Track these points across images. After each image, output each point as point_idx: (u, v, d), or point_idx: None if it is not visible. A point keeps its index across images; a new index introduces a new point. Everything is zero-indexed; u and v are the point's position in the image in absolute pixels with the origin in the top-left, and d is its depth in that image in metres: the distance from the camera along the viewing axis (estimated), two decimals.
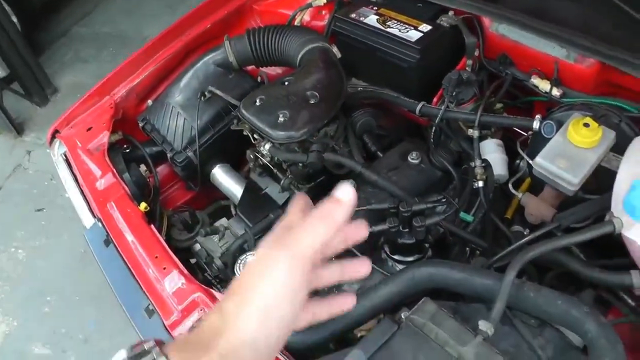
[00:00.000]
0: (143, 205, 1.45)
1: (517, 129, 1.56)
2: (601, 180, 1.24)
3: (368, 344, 1.08)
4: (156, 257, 1.30)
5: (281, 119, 1.40)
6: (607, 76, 1.38)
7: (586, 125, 1.21)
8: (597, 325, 1.01)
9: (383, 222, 1.25)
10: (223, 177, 1.76)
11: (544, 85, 1.46)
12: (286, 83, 1.50)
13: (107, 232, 1.42)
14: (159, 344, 0.52)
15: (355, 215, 1.26)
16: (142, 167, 1.74)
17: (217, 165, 1.78)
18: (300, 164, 1.40)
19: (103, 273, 1.40)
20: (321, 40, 1.62)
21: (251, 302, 0.53)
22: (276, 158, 1.45)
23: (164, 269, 1.28)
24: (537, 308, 1.08)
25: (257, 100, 1.47)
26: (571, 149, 1.23)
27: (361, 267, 0.64)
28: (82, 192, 1.56)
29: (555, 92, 1.44)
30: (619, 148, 1.24)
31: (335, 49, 1.63)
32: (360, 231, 0.63)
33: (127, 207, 1.44)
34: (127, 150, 1.78)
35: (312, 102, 1.42)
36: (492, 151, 1.53)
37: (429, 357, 1.04)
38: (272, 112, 1.42)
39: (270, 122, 1.40)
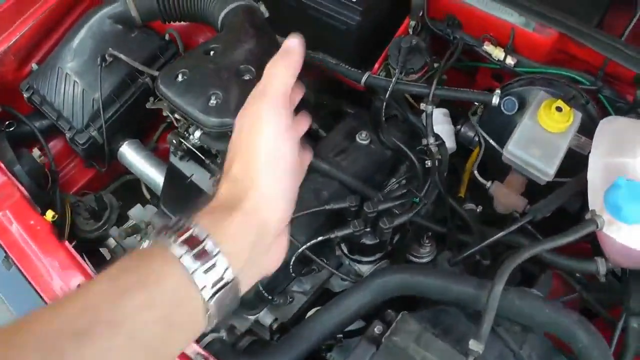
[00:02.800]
0: (50, 214, 1.19)
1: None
2: (569, 164, 1.18)
3: None
4: (78, 286, 1.07)
5: (213, 101, 1.17)
6: (562, 46, 1.30)
7: (559, 109, 1.13)
8: (589, 335, 0.98)
9: (344, 224, 1.12)
10: (134, 157, 1.51)
11: (497, 52, 1.34)
12: (211, 53, 1.26)
13: (5, 251, 1.15)
14: (186, 216, 0.53)
15: (308, 215, 1.15)
16: (35, 152, 1.44)
17: (125, 143, 1.52)
18: None
19: (6, 304, 1.14)
20: None
21: (255, 158, 0.57)
22: (207, 146, 1.24)
23: None
24: (523, 316, 1.03)
25: (180, 75, 1.22)
26: (542, 134, 1.15)
27: (303, 120, 0.73)
28: None
29: (510, 60, 1.34)
30: (583, 128, 1.19)
31: (262, 8, 1.40)
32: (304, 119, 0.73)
33: (29, 218, 1.17)
34: (11, 129, 1.46)
35: (247, 78, 1.21)
36: (440, 122, 1.42)
37: None
38: (201, 92, 1.18)
39: (200, 106, 1.17)
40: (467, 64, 1.47)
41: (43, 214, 1.19)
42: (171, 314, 0.49)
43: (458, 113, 1.47)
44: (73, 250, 1.12)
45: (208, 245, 0.51)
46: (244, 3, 1.34)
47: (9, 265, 1.14)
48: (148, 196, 1.59)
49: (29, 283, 1.11)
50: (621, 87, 1.29)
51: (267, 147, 0.57)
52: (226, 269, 0.51)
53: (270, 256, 0.60)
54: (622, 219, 0.99)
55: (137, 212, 1.49)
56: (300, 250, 1.10)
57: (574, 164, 1.16)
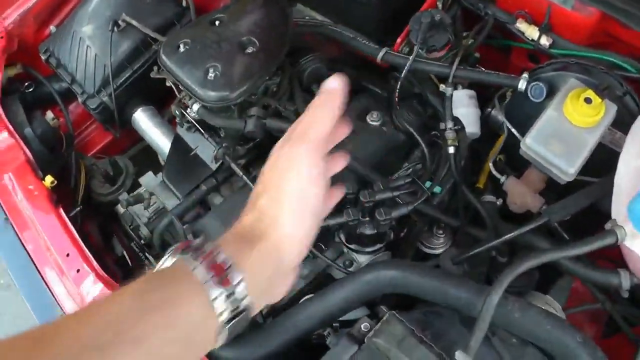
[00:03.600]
0: (49, 179, 1.18)
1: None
2: (597, 160, 1.05)
3: None
4: (67, 255, 1.06)
5: (211, 74, 1.11)
6: (605, 27, 1.16)
7: (588, 100, 1.00)
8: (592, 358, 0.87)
9: (339, 212, 1.04)
10: (146, 124, 1.48)
11: (531, 31, 1.21)
12: (216, 23, 1.19)
13: (5, 212, 1.16)
14: (212, 241, 0.56)
15: None
16: (49, 114, 1.43)
17: (139, 109, 1.49)
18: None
19: (3, 262, 1.15)
20: None
21: (284, 197, 0.59)
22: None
23: (78, 271, 1.05)
24: (522, 330, 0.93)
25: (181, 46, 1.17)
26: (568, 128, 1.02)
27: (340, 159, 0.74)
28: None
29: (544, 41, 1.21)
30: (617, 123, 1.05)
31: None
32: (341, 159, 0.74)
33: (28, 182, 1.17)
34: (31, 89, 1.46)
35: (250, 51, 1.14)
36: (465, 105, 1.30)
37: None
38: (200, 64, 1.13)
39: (198, 78, 1.12)
40: (498, 41, 1.34)
41: (54, 177, 1.18)
42: (189, 334, 0.52)
43: (490, 94, 1.35)
44: (66, 217, 1.12)
45: (232, 273, 0.54)
46: None
47: (7, 226, 1.15)
48: (163, 163, 1.57)
49: (25, 250, 1.12)
50: None
51: (297, 190, 0.59)
52: (244, 297, 0.54)
53: (282, 287, 0.63)
54: None
55: (148, 180, 1.46)
56: None
57: (606, 161, 1.02)
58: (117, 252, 1.48)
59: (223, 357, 0.98)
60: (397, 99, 1.21)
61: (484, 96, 1.34)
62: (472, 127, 1.28)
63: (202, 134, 1.22)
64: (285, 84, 1.22)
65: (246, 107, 1.15)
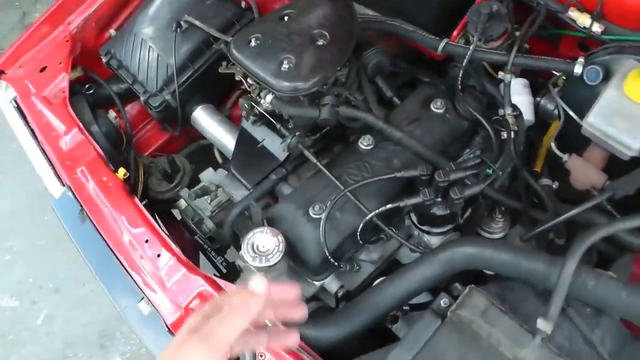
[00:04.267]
0: (122, 172, 1.23)
1: None
2: None
3: (411, 342, 0.96)
4: (146, 241, 1.11)
5: (285, 65, 1.17)
6: None
7: None
8: None
9: (414, 193, 1.09)
10: (207, 121, 1.53)
11: (583, 19, 1.26)
12: (285, 18, 1.25)
13: (81, 204, 1.21)
14: None
15: (378, 183, 1.13)
16: (111, 113, 1.49)
17: (199, 107, 1.55)
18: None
19: (81, 255, 1.20)
20: None
21: None
22: (278, 111, 1.24)
23: (158, 256, 1.09)
24: (596, 299, 0.97)
25: (253, 40, 1.22)
26: (629, 105, 1.07)
27: (290, 337, 0.70)
28: (43, 152, 1.32)
29: (596, 27, 1.25)
30: None
31: None
32: (298, 311, 0.71)
33: (102, 175, 1.22)
34: (91, 91, 1.52)
35: (321, 43, 1.19)
36: (519, 93, 1.36)
37: (479, 356, 0.93)
38: (273, 57, 1.18)
39: (272, 70, 1.17)
40: (550, 32, 1.39)
41: (116, 172, 1.23)
42: None
43: (539, 84, 1.40)
44: (141, 206, 1.17)
45: None
46: None
47: (83, 218, 1.19)
48: (220, 160, 1.62)
49: (101, 236, 1.16)
50: None
51: None
52: None
53: None
54: None
55: (208, 175, 1.52)
56: (368, 217, 1.08)
57: None
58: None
59: (308, 336, 1.03)
60: (460, 86, 1.25)
61: (533, 86, 1.40)
62: (527, 114, 1.33)
63: (274, 124, 1.27)
64: (353, 76, 1.27)
65: (316, 96, 1.20)
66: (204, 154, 1.71)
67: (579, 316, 0.99)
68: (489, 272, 1.15)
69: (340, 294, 1.18)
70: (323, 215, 1.10)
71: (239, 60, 1.22)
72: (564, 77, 1.30)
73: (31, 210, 2.32)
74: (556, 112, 1.32)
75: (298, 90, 1.16)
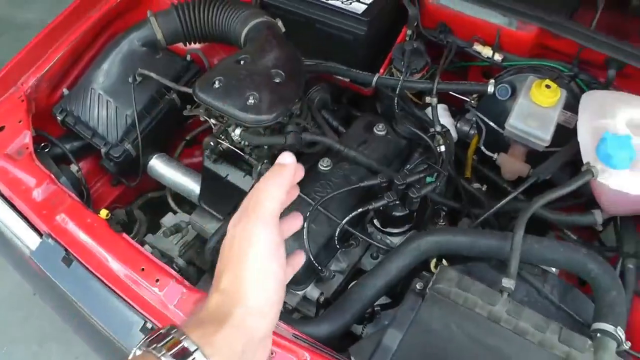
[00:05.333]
0: (104, 212, 1.29)
1: (458, 95, 1.64)
2: (558, 135, 1.37)
3: (400, 322, 1.11)
4: (142, 269, 1.18)
5: (251, 100, 1.32)
6: (542, 40, 1.51)
7: (547, 86, 1.33)
8: (598, 265, 1.14)
9: (378, 198, 1.26)
10: (164, 168, 1.63)
11: (486, 51, 1.55)
12: (242, 62, 1.41)
13: (65, 248, 1.25)
14: (177, 327, 0.57)
15: (342, 196, 1.29)
16: (74, 167, 1.55)
17: (155, 156, 1.64)
18: (278, 147, 1.35)
19: (71, 298, 1.22)
20: (263, 14, 1.54)
21: (245, 274, 0.60)
22: (243, 142, 1.38)
23: (157, 281, 1.16)
24: (542, 258, 1.18)
25: (216, 82, 1.36)
26: (536, 108, 1.34)
27: (295, 220, 0.75)
28: (13, 208, 1.34)
29: (497, 57, 1.54)
30: (568, 105, 1.38)
31: (280, 23, 1.56)
32: (296, 220, 0.75)
33: (85, 217, 1.27)
34: (47, 150, 1.56)
35: (278, 81, 1.36)
36: (442, 115, 1.59)
37: (458, 322, 1.09)
38: (239, 94, 1.33)
39: (239, 106, 1.31)
40: (460, 64, 1.66)
41: (98, 213, 1.29)
42: None
43: (454, 110, 1.66)
44: (132, 240, 1.23)
45: (198, 357, 0.53)
46: (264, 19, 1.51)
47: (69, 263, 1.23)
48: (174, 206, 1.70)
49: (92, 274, 1.21)
50: (594, 72, 1.50)
51: (257, 264, 0.60)
52: None
53: (258, 357, 0.62)
54: (613, 165, 1.18)
55: (169, 219, 1.60)
56: (342, 223, 1.24)
57: (564, 136, 1.36)
58: None
59: (310, 334, 1.14)
60: (397, 111, 1.47)
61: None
62: (451, 133, 1.57)
63: (235, 161, 1.40)
64: (305, 109, 1.45)
65: (279, 127, 1.36)
66: (154, 205, 1.78)
67: (531, 276, 1.20)
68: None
69: (321, 300, 1.30)
70: (305, 225, 1.23)
71: (206, 101, 1.35)
72: (475, 100, 1.57)
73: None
74: (472, 132, 1.57)
75: (264, 121, 1.31)
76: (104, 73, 1.58)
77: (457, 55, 1.65)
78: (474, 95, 1.56)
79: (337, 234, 1.24)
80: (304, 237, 1.23)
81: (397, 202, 1.27)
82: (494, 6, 1.47)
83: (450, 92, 1.56)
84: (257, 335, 0.60)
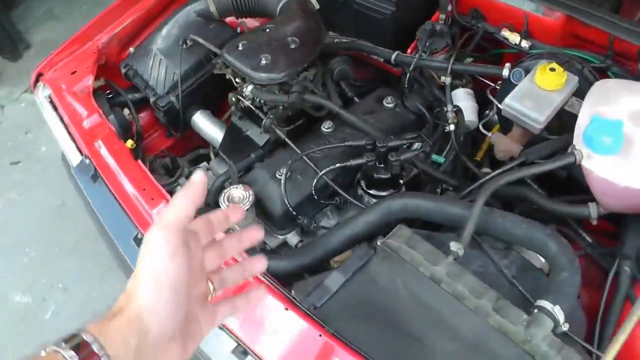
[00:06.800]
0: (130, 142, 1.50)
1: (487, 81, 1.64)
2: (565, 123, 1.33)
3: (346, 268, 1.16)
4: (144, 189, 1.35)
5: (263, 62, 1.45)
6: (572, 29, 1.47)
7: (552, 69, 1.30)
8: (558, 245, 1.11)
9: (359, 156, 1.33)
10: (204, 123, 1.81)
11: (513, 37, 1.54)
12: (267, 30, 1.55)
13: (95, 168, 1.47)
14: (81, 328, 0.59)
15: (334, 151, 1.37)
16: (126, 111, 1.78)
17: (198, 112, 1.82)
18: (281, 105, 1.46)
19: (92, 207, 1.45)
20: None
21: (142, 274, 0.62)
22: (258, 100, 1.51)
23: (152, 199, 1.33)
24: (504, 232, 1.17)
25: (240, 45, 1.52)
26: (537, 91, 1.32)
27: (258, 262, 0.76)
28: (68, 132, 1.60)
29: (524, 44, 1.53)
30: (582, 94, 1.33)
31: (313, 0, 1.68)
32: (255, 232, 0.75)
33: (114, 144, 1.48)
34: (110, 96, 1.81)
35: (293, 47, 1.48)
36: (463, 99, 1.61)
37: (404, 278, 1.12)
38: (255, 56, 1.47)
39: (252, 65, 1.46)
40: (490, 52, 1.66)
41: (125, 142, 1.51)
42: None
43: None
44: (144, 167, 1.42)
45: (94, 348, 0.56)
46: None
47: (95, 179, 1.45)
48: (213, 159, 1.87)
49: (110, 192, 1.41)
50: (629, 65, 1.43)
51: (151, 263, 0.63)
52: None
53: None
54: (596, 149, 1.14)
55: (203, 165, 1.78)
56: (320, 174, 1.32)
57: (571, 125, 1.31)
58: None
59: (268, 266, 1.23)
60: (406, 85, 1.52)
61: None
62: (471, 116, 1.58)
63: (257, 119, 1.54)
64: (319, 75, 1.55)
65: (288, 88, 1.48)
66: (203, 161, 1.97)
67: (491, 250, 1.20)
68: None
69: (298, 246, 1.39)
70: (284, 174, 1.34)
71: (228, 60, 1.51)
72: (498, 87, 1.56)
73: (48, 221, 2.59)
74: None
75: (272, 79, 1.44)
76: (162, 36, 1.80)
77: (490, 42, 1.65)
78: (499, 82, 1.56)
79: (314, 183, 1.33)
80: (282, 183, 1.32)
81: (377, 163, 1.32)
82: None
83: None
84: (152, 335, 0.61)
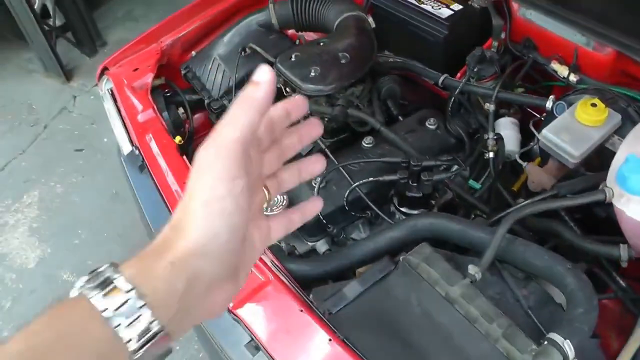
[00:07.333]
0: (178, 138, 1.59)
1: (534, 112, 1.64)
2: (605, 161, 1.31)
3: (365, 279, 1.19)
4: (185, 183, 1.43)
5: (312, 73, 1.51)
6: (623, 66, 1.46)
7: (593, 105, 1.29)
8: (577, 280, 1.10)
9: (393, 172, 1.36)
10: None
11: (562, 70, 1.54)
12: (321, 44, 1.61)
13: (142, 158, 1.56)
14: (114, 264, 0.51)
15: (371, 166, 1.40)
16: (180, 110, 1.87)
17: None
18: (326, 117, 1.51)
19: (135, 195, 1.54)
20: (358, 9, 1.72)
21: (191, 204, 0.52)
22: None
23: None
24: (525, 261, 1.17)
25: (293, 56, 1.58)
26: (576, 125, 1.31)
27: (316, 163, 0.65)
28: (123, 123, 1.71)
29: (573, 77, 1.52)
30: (626, 133, 1.32)
31: (370, 19, 1.73)
32: (314, 127, 0.64)
33: (163, 139, 1.58)
34: (168, 95, 1.92)
35: (343, 61, 1.53)
36: (507, 128, 1.61)
37: (419, 294, 1.14)
38: (305, 67, 1.53)
39: (302, 76, 1.52)
40: (540, 84, 1.66)
41: (174, 138, 1.60)
42: None
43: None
44: (187, 161, 1.50)
45: (131, 297, 0.48)
46: (354, 13, 1.69)
47: (142, 169, 1.54)
48: None
49: (154, 183, 1.50)
50: None
51: (204, 195, 0.52)
52: (152, 321, 0.48)
53: (206, 308, 0.55)
54: (627, 188, 1.12)
55: None
56: (353, 186, 1.36)
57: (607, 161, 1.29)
58: None
59: (290, 269, 1.28)
60: (450, 109, 1.54)
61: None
62: (512, 146, 1.58)
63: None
64: (366, 92, 1.59)
65: (334, 101, 1.53)
66: None
67: (511, 278, 1.20)
68: None
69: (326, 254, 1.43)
70: (318, 182, 1.39)
71: (280, 69, 1.57)
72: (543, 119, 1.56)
73: (102, 208, 2.75)
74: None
75: (319, 91, 1.50)
76: (224, 43, 1.89)
77: (541, 73, 1.65)
78: (544, 114, 1.56)
79: (346, 194, 1.36)
80: (315, 191, 1.37)
81: (410, 181, 1.35)
82: (572, 24, 1.47)
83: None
84: (202, 278, 0.52)
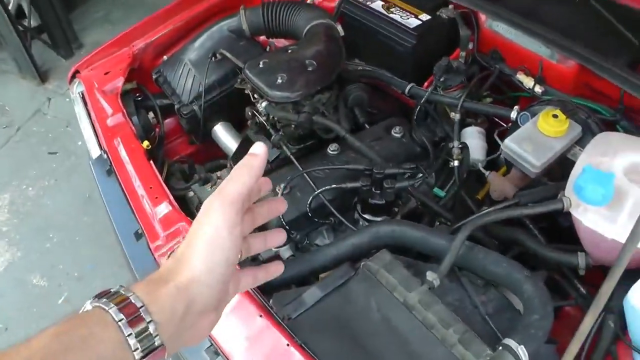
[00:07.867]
0: (146, 143, 1.59)
1: (502, 122, 1.66)
2: (566, 171, 1.34)
3: (325, 285, 1.20)
4: (150, 187, 1.43)
5: (279, 80, 1.52)
6: (586, 79, 1.49)
7: (555, 116, 1.32)
8: (534, 288, 1.12)
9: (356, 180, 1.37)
10: (223, 134, 1.88)
11: (528, 81, 1.56)
12: (289, 51, 1.62)
13: (110, 163, 1.56)
14: (123, 287, 0.60)
15: (336, 173, 1.41)
16: (151, 115, 1.87)
17: (219, 123, 1.90)
18: (293, 124, 1.52)
19: (102, 199, 1.53)
20: (327, 17, 1.73)
21: (196, 242, 0.63)
22: (271, 116, 1.57)
23: (156, 198, 1.41)
24: (484, 268, 1.19)
25: (261, 63, 1.59)
26: (538, 136, 1.34)
27: (279, 236, 0.79)
28: (93, 127, 1.70)
29: (538, 89, 1.55)
30: (586, 143, 1.34)
31: (339, 27, 1.74)
32: (280, 203, 0.78)
33: (131, 143, 1.57)
34: (139, 99, 1.91)
35: (310, 69, 1.54)
36: (473, 137, 1.63)
37: (378, 300, 1.15)
38: (272, 74, 1.54)
39: (269, 82, 1.52)
40: (507, 94, 1.69)
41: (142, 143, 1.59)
42: None
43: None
44: (153, 166, 1.50)
45: (142, 313, 0.57)
46: (323, 21, 1.71)
47: (109, 174, 1.54)
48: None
49: (121, 187, 1.50)
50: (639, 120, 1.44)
51: (208, 235, 0.63)
52: (156, 336, 0.58)
53: (194, 332, 0.65)
54: (583, 198, 1.15)
55: (216, 173, 1.85)
56: (316, 192, 1.36)
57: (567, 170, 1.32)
58: None
59: None
60: (415, 118, 1.56)
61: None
62: (478, 155, 1.60)
63: (265, 126, 1.60)
64: (333, 99, 1.60)
65: (300, 108, 1.54)
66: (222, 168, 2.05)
67: (470, 285, 1.21)
68: None
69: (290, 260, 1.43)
70: (282, 189, 1.39)
71: (247, 76, 1.58)
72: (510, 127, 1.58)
73: (74, 211, 2.73)
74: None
75: (286, 98, 1.51)
76: (194, 48, 1.89)
77: (508, 84, 1.68)
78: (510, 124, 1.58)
79: (309, 201, 1.37)
80: (278, 196, 1.38)
81: (373, 189, 1.36)
82: (537, 36, 1.49)
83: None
84: (197, 305, 0.62)
